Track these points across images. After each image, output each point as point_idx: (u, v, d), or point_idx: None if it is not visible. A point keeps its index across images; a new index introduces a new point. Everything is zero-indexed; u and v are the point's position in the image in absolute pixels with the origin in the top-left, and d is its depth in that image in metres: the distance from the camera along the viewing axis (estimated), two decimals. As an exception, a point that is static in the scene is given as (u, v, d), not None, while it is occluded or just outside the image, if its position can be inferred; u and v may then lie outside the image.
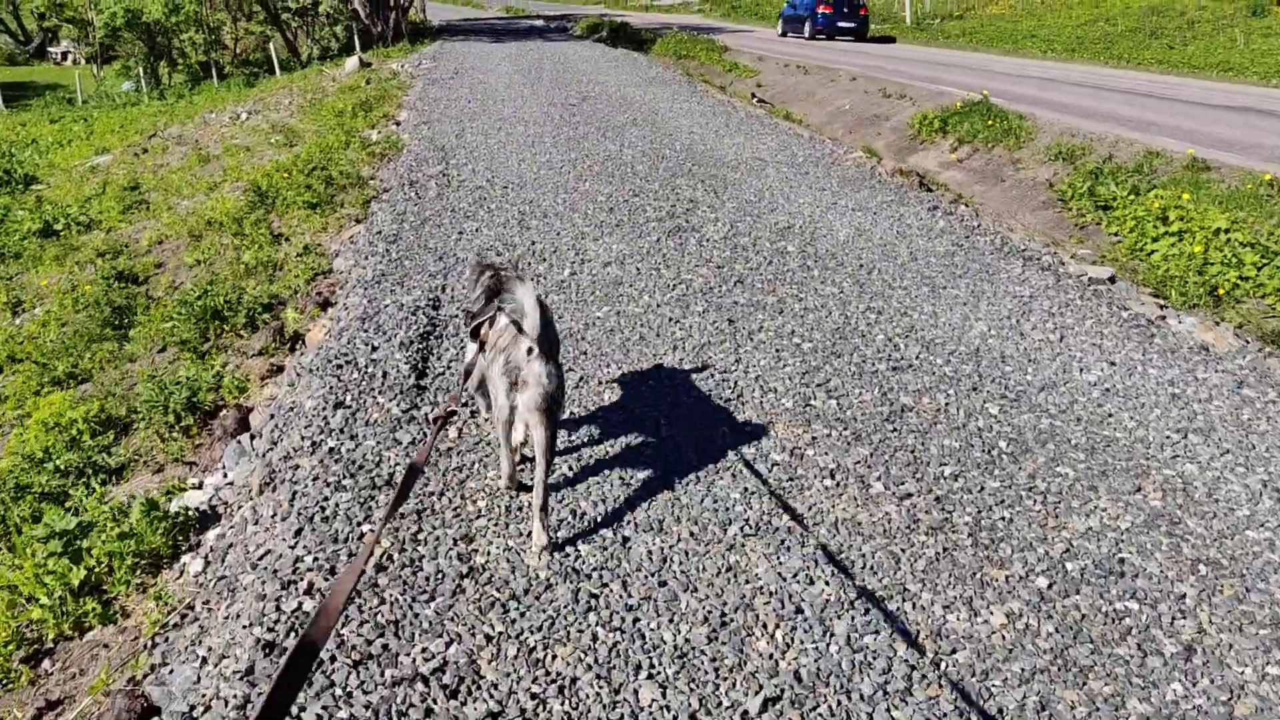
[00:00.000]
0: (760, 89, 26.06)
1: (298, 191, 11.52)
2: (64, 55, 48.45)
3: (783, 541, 4.37)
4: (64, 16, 35.82)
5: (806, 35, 38.98)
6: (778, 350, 6.59)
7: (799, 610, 3.90)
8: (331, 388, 5.81)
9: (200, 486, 5.15)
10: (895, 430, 5.50)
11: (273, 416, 5.66)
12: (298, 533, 4.33)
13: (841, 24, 38.04)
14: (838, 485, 4.89)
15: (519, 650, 3.61)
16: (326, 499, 4.60)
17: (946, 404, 5.86)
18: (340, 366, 6.13)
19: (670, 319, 7.11)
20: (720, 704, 3.38)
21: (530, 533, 4.25)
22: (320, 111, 18.53)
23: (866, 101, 21.65)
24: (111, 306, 8.19)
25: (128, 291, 8.80)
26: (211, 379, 6.30)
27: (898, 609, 3.94)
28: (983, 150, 16.53)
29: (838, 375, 6.22)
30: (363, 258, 8.53)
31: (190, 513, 4.72)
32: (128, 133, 23.49)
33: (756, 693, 3.42)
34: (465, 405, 5.50)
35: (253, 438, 5.51)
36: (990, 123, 16.50)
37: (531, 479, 4.29)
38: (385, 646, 3.62)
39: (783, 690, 3.45)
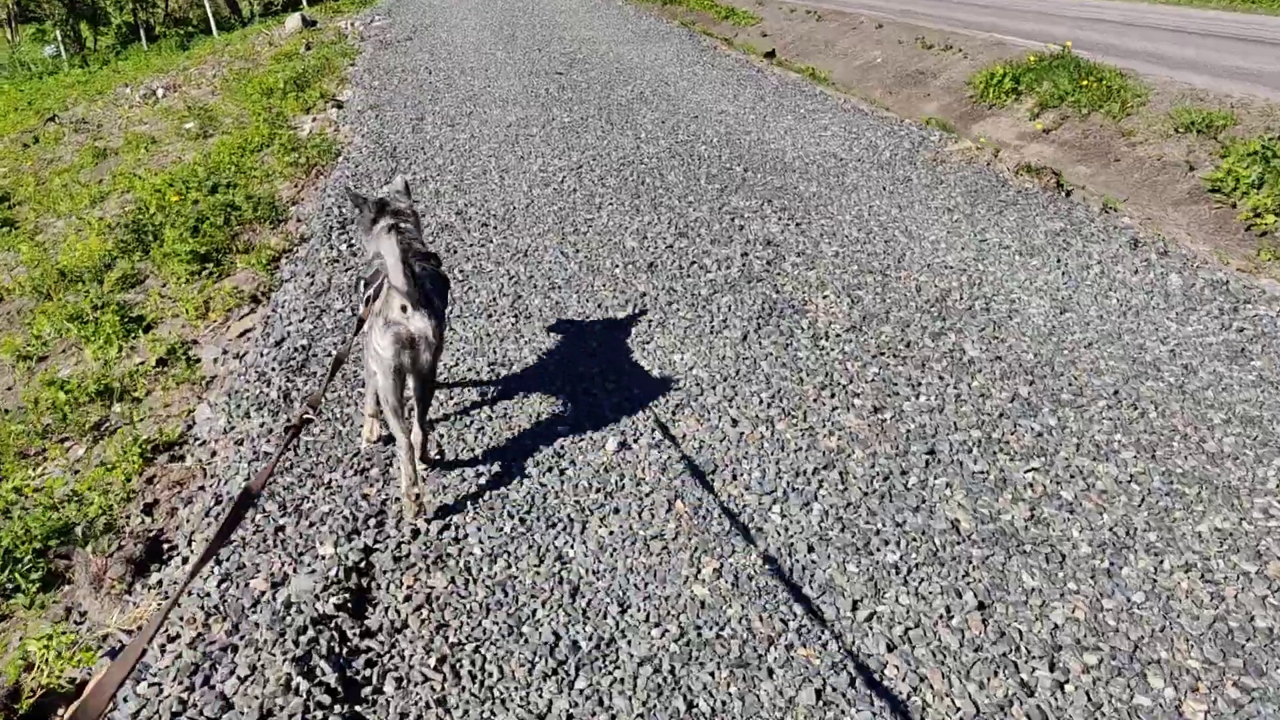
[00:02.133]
0: (766, 39, 22.05)
1: (185, 230, 7.67)
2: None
3: None
4: (-28, -27, 31.11)
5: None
6: None
7: None
8: None
9: None
10: None
11: None
12: None
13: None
14: None
15: None
16: None
17: None
18: None
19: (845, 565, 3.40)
20: None
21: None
22: (247, 88, 14.46)
23: (903, 54, 17.72)
24: None
25: None
26: None
27: None
28: (1075, 118, 12.71)
29: None
30: (239, 410, 4.69)
31: None
32: (32, 111, 19.27)
33: None
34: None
35: None
36: (1084, 82, 12.62)
37: None
38: None
39: None
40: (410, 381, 3.77)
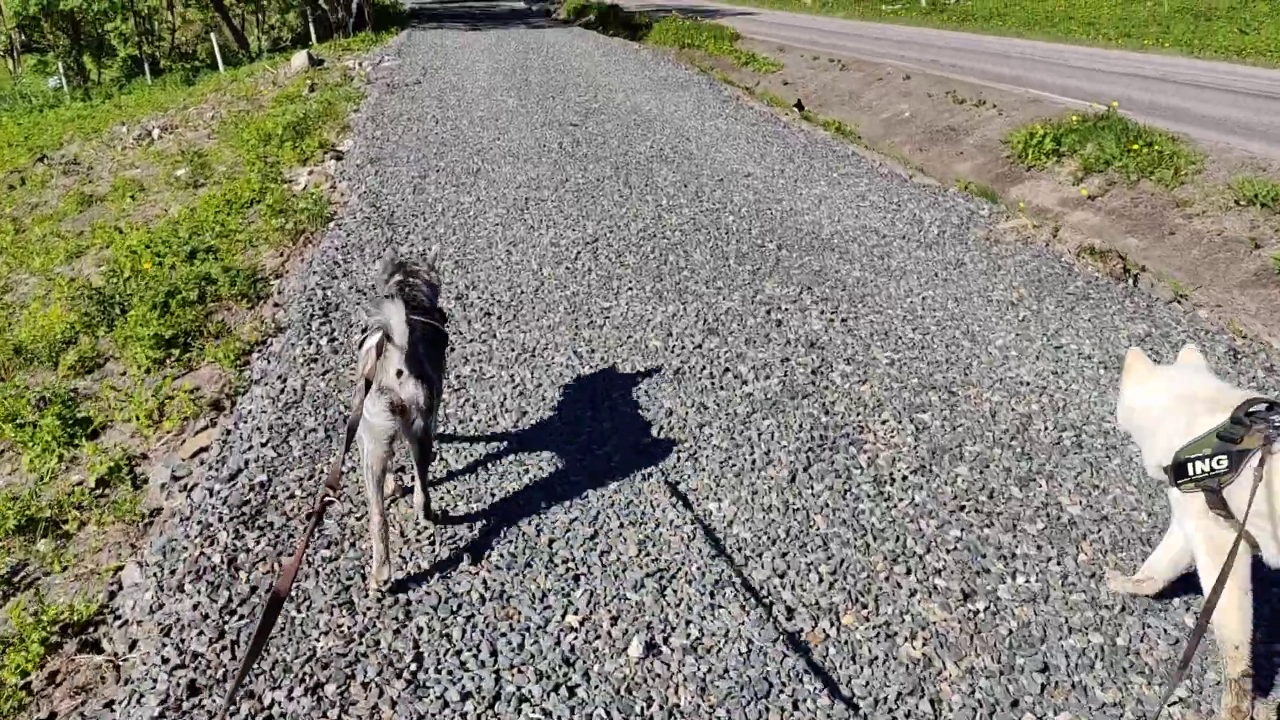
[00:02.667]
0: (788, 88, 21.29)
1: (154, 305, 6.82)
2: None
3: None
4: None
5: None
6: None
7: None
8: None
9: None
10: None
11: None
12: None
13: None
14: None
15: None
16: None
17: None
18: None
19: None
20: None
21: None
22: (245, 132, 13.66)
23: (933, 108, 16.93)
24: None
25: None
26: None
27: None
28: (1123, 184, 11.88)
29: None
30: (173, 579, 3.76)
31: None
32: (26, 147, 18.50)
33: None
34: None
35: None
36: (1133, 146, 11.78)
37: None
38: None
39: None
40: (407, 447, 3.80)
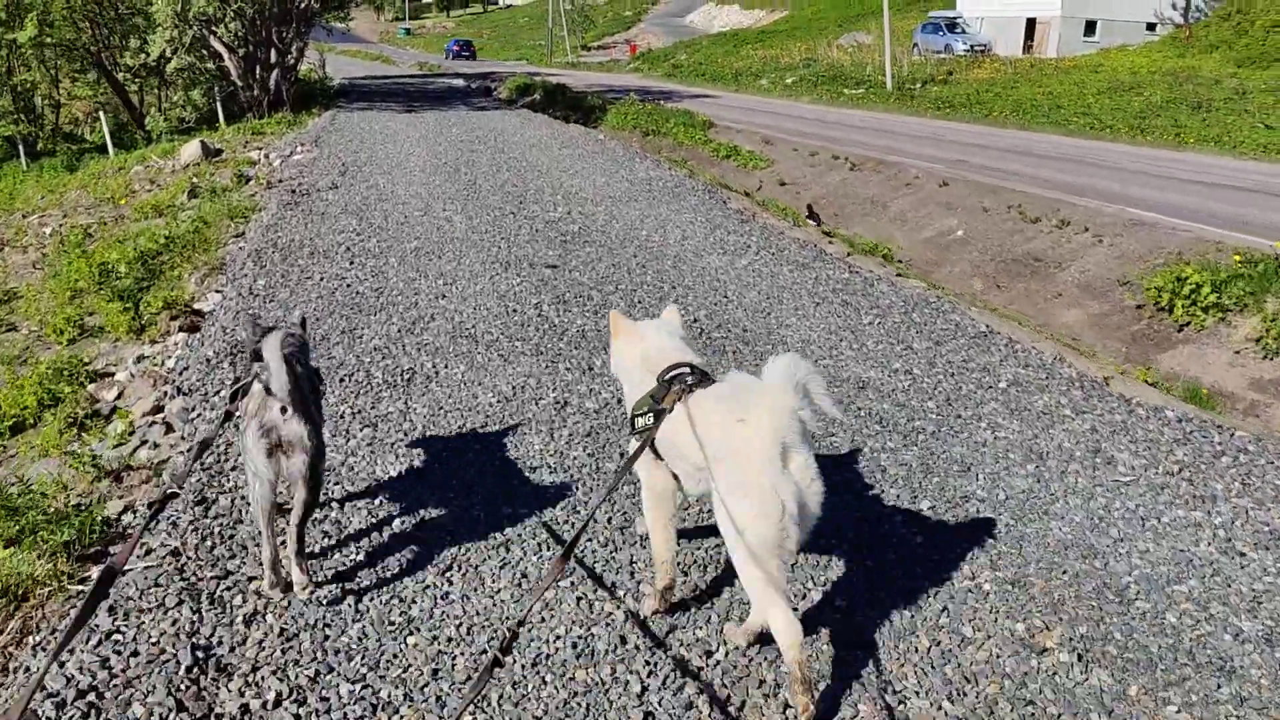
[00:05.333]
0: (786, 189, 17.31)
1: None
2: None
3: None
4: None
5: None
6: None
7: None
8: None
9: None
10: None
11: None
12: None
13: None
14: None
15: None
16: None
17: None
18: None
19: None
20: None
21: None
22: (72, 267, 9.14)
23: (994, 227, 13.01)
24: None
25: None
26: None
27: None
28: (1342, 359, 7.85)
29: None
30: None
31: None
32: None
33: None
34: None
35: None
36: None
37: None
38: None
39: None
40: (291, 488, 3.59)
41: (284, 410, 3.35)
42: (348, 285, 8.10)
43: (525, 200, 12.34)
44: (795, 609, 3.24)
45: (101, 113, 23.76)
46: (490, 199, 12.37)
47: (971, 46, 42.16)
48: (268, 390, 3.33)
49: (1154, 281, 9.89)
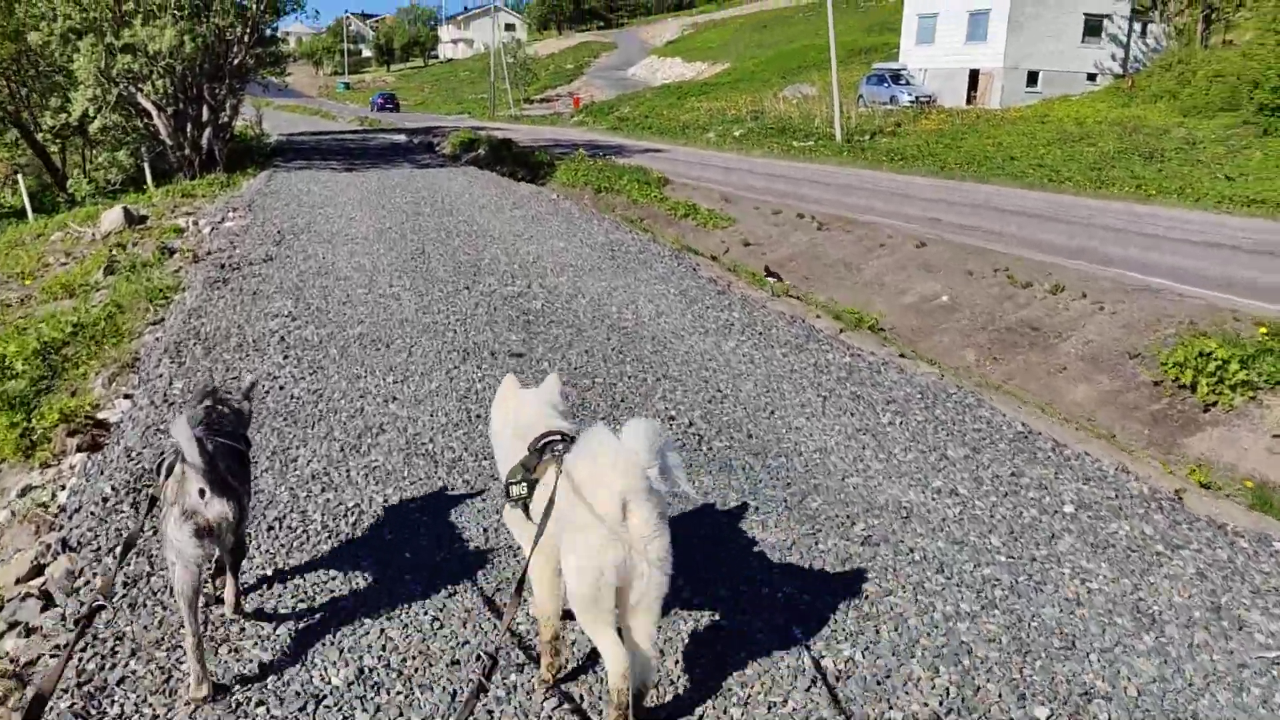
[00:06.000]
0: (750, 250, 16.42)
1: None
2: None
3: None
4: None
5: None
6: None
7: None
8: None
9: None
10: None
11: None
12: None
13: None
14: None
15: None
16: None
17: None
18: None
19: None
20: None
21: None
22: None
23: (982, 292, 12.17)
24: None
25: None
26: None
27: None
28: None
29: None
30: None
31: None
32: None
33: None
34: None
35: None
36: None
37: None
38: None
39: None
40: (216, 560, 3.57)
41: (202, 493, 3.24)
42: (281, 387, 6.89)
43: (479, 271, 11.22)
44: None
45: (20, 175, 22.21)
46: (441, 271, 11.23)
47: (917, 98, 42.07)
48: (183, 466, 3.22)
49: (1173, 356, 9.02)
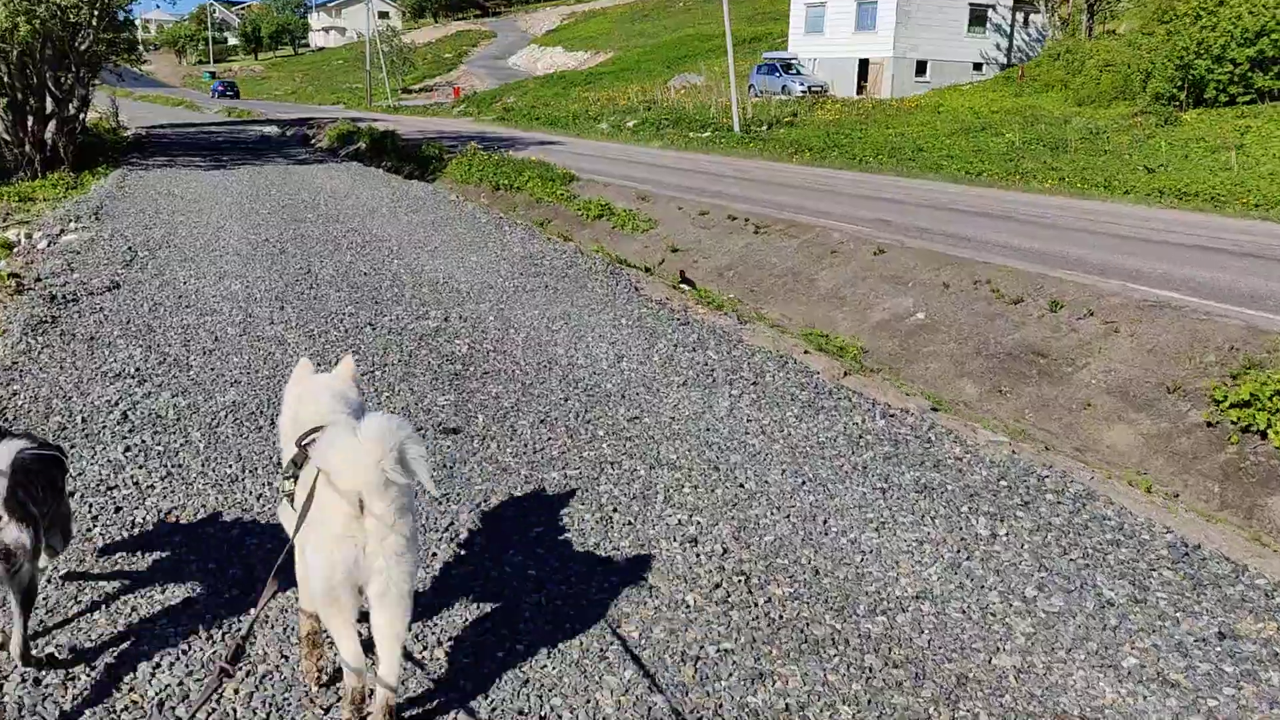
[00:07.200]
0: (679, 255, 14.55)
1: None
2: None
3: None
4: None
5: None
6: None
7: None
8: None
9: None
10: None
11: None
12: None
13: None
14: None
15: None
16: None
17: None
18: None
19: None
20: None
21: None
22: None
23: (964, 308, 10.56)
24: None
25: None
26: None
27: None
28: None
29: None
30: None
31: None
32: None
33: None
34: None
35: None
36: None
37: None
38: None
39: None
40: (8, 593, 3.23)
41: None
42: (115, 509, 4.64)
43: (382, 299, 9.03)
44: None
45: None
46: (333, 298, 9.00)
47: (809, 88, 40.90)
48: None
49: (1233, 394, 7.47)
